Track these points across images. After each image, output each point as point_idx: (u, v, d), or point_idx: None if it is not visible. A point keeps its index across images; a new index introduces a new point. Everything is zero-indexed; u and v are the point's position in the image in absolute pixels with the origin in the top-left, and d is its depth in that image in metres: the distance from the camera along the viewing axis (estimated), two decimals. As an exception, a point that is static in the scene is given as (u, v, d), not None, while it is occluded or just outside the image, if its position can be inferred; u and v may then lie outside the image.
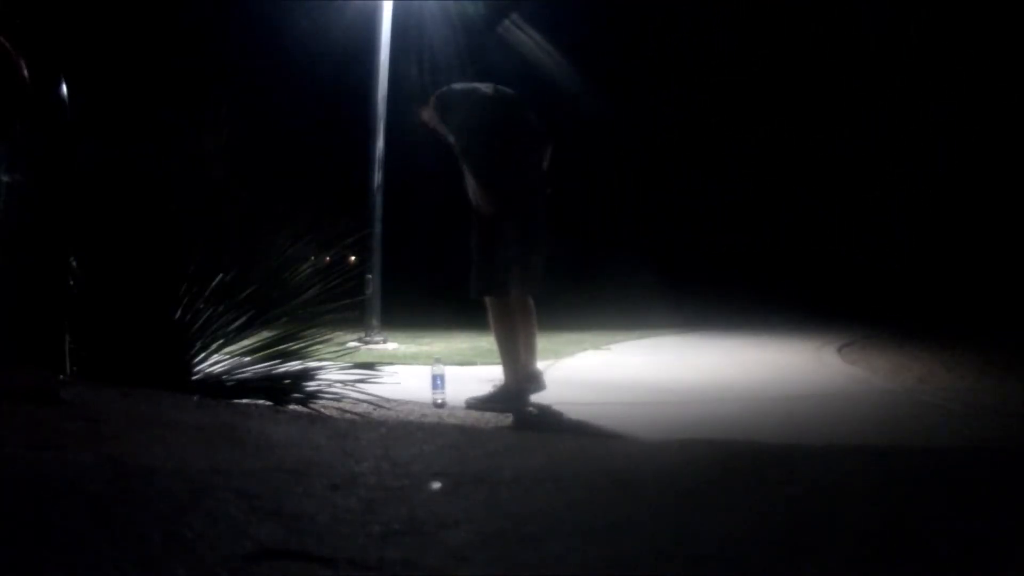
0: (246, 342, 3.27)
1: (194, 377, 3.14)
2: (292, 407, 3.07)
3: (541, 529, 1.38)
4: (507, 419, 3.78)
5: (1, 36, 2.66)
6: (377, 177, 8.05)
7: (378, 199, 8.00)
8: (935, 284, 10.42)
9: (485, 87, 4.39)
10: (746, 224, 13.27)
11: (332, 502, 1.47)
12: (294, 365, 3.23)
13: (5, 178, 2.87)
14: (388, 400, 3.47)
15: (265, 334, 3.31)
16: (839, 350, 6.50)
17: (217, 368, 3.20)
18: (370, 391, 3.25)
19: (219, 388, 3.08)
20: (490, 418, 3.79)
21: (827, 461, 2.12)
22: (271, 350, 3.25)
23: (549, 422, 3.63)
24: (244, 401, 2.98)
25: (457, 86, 4.41)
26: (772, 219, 13.24)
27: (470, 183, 4.23)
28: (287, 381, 3.21)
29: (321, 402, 3.21)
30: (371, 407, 3.41)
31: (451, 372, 4.52)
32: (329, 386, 3.21)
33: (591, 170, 13.66)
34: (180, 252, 3.17)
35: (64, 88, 2.81)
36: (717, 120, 13.42)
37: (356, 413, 3.25)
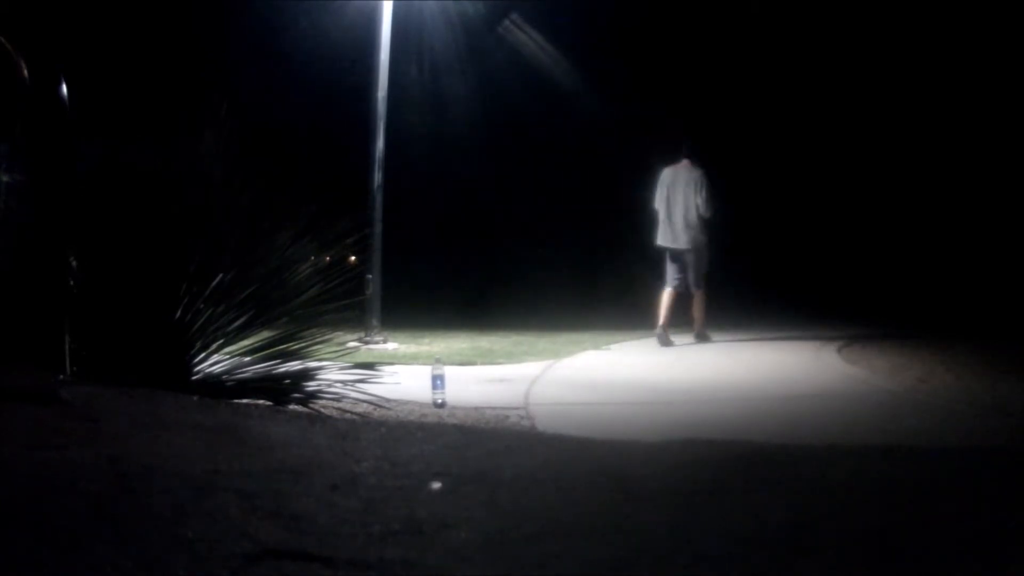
0: (246, 342, 3.27)
1: (194, 377, 3.13)
2: (292, 407, 3.07)
3: (541, 529, 1.38)
4: (507, 419, 3.78)
5: (1, 36, 2.66)
6: (377, 177, 8.04)
7: (378, 199, 7.99)
8: (935, 284, 10.40)
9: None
10: (746, 223, 13.26)
11: (332, 502, 1.47)
12: (294, 365, 3.23)
13: (5, 178, 2.88)
14: (388, 400, 3.46)
15: (265, 334, 3.30)
16: (839, 350, 6.48)
17: (217, 368, 3.19)
18: (370, 391, 3.25)
19: (219, 388, 3.08)
20: (490, 418, 3.79)
21: (827, 461, 2.12)
22: (271, 350, 3.25)
23: (549, 422, 3.63)
24: (244, 401, 2.98)
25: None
26: (772, 218, 13.21)
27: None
28: (287, 381, 3.21)
29: (321, 402, 3.21)
30: (371, 407, 3.41)
31: (451, 372, 4.52)
32: (329, 386, 3.20)
33: (591, 169, 13.64)
34: (180, 252, 3.17)
35: (64, 88, 2.81)
36: (716, 119, 13.40)
37: (356, 413, 3.24)
